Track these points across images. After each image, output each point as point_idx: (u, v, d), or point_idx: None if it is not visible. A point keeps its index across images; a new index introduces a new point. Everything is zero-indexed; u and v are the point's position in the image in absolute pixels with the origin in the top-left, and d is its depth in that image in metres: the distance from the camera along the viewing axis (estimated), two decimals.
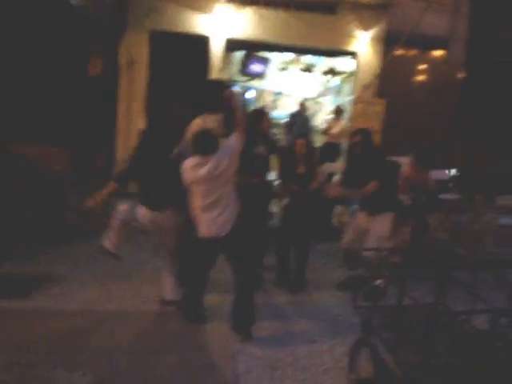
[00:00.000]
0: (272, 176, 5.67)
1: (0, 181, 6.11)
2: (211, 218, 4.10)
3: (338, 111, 9.95)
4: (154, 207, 4.48)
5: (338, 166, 9.24)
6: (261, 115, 5.28)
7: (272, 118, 11.25)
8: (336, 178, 8.54)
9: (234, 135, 4.20)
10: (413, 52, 9.65)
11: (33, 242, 6.08)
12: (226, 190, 4.13)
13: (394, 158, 5.39)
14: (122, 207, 4.56)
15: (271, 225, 5.87)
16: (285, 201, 5.32)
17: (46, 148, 7.24)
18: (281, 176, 5.47)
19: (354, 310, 4.27)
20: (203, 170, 4.03)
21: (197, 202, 4.15)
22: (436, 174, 6.22)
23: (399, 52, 9.27)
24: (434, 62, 9.88)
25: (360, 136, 5.19)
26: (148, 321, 4.46)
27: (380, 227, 5.05)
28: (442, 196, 6.26)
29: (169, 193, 4.48)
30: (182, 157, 4.52)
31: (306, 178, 5.25)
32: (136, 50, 8.89)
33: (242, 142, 4.20)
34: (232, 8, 8.94)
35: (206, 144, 4.09)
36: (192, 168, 4.09)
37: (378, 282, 4.66)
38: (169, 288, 4.68)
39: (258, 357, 3.93)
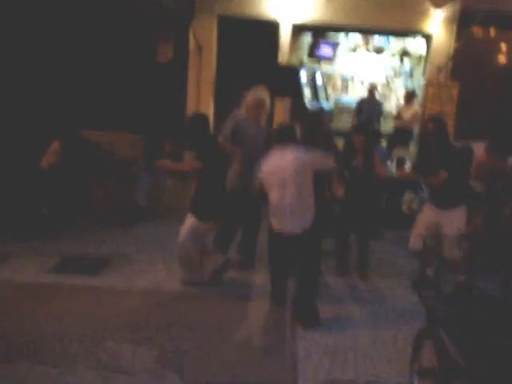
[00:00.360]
0: None
1: (77, 167, 6.41)
2: (286, 214, 4.17)
3: (410, 95, 9.61)
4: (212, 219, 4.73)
5: (408, 152, 8.99)
6: (320, 115, 5.60)
7: (341, 103, 11.15)
8: (407, 163, 8.34)
9: (332, 159, 4.55)
10: (490, 31, 9.10)
11: (105, 224, 6.36)
12: (303, 190, 4.20)
13: (467, 143, 5.15)
14: (184, 245, 4.65)
15: (335, 211, 5.78)
16: (341, 190, 5.20)
17: (121, 135, 7.53)
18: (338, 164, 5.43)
19: (418, 300, 4.17)
20: (281, 159, 4.22)
21: (273, 193, 4.24)
22: None
23: (475, 31, 8.77)
24: None
25: (433, 124, 4.94)
26: (211, 302, 4.55)
27: (456, 224, 4.67)
28: None
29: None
30: (235, 138, 4.81)
31: (363, 170, 5.14)
32: (205, 35, 8.96)
33: (331, 168, 4.59)
34: None
35: (285, 136, 4.35)
36: (271, 158, 4.29)
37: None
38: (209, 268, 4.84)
39: (318, 342, 3.92)
